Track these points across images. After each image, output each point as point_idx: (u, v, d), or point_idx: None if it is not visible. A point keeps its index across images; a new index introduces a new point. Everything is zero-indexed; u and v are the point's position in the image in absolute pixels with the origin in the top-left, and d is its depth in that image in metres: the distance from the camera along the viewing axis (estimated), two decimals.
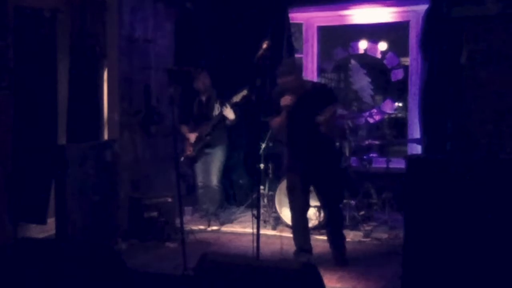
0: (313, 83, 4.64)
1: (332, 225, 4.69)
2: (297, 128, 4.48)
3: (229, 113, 5.72)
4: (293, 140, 4.61)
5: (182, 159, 5.94)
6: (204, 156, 5.94)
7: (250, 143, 6.58)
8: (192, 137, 5.88)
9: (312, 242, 4.68)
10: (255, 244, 3.65)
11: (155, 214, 5.35)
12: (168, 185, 5.87)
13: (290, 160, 4.72)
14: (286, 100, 4.36)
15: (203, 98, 5.95)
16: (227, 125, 5.86)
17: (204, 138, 5.85)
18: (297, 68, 4.55)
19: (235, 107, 5.71)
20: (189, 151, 5.92)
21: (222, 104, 5.80)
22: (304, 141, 4.49)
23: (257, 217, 3.69)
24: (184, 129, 5.96)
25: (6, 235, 4.56)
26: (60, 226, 4.60)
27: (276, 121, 4.52)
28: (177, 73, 4.92)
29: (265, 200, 5.89)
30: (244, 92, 5.57)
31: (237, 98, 5.63)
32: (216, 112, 5.85)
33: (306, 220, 4.64)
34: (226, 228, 5.87)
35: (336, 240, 4.64)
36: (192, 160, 5.97)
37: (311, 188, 4.61)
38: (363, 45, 7.31)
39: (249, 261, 3.09)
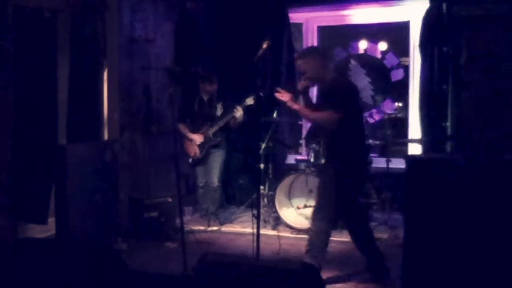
0: (333, 78, 4.08)
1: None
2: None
3: (242, 116, 5.72)
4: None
5: (190, 160, 5.94)
6: (205, 156, 5.93)
7: (250, 143, 6.58)
8: (198, 138, 5.87)
9: None
10: (255, 244, 3.66)
11: (155, 214, 5.35)
12: (168, 185, 5.87)
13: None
14: (299, 85, 4.13)
15: (205, 98, 5.94)
16: (231, 126, 5.85)
17: (211, 139, 5.85)
18: (319, 55, 4.07)
19: (246, 109, 5.70)
20: (195, 152, 5.90)
21: (225, 106, 5.80)
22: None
23: (257, 217, 3.69)
24: (184, 128, 5.94)
25: (6, 235, 4.55)
26: (60, 226, 4.60)
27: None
28: (178, 73, 4.88)
29: (265, 200, 5.88)
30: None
31: (250, 101, 5.64)
32: (219, 112, 5.85)
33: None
34: (226, 228, 5.86)
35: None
36: (198, 161, 5.96)
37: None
38: (363, 45, 7.32)
39: (249, 261, 3.10)
